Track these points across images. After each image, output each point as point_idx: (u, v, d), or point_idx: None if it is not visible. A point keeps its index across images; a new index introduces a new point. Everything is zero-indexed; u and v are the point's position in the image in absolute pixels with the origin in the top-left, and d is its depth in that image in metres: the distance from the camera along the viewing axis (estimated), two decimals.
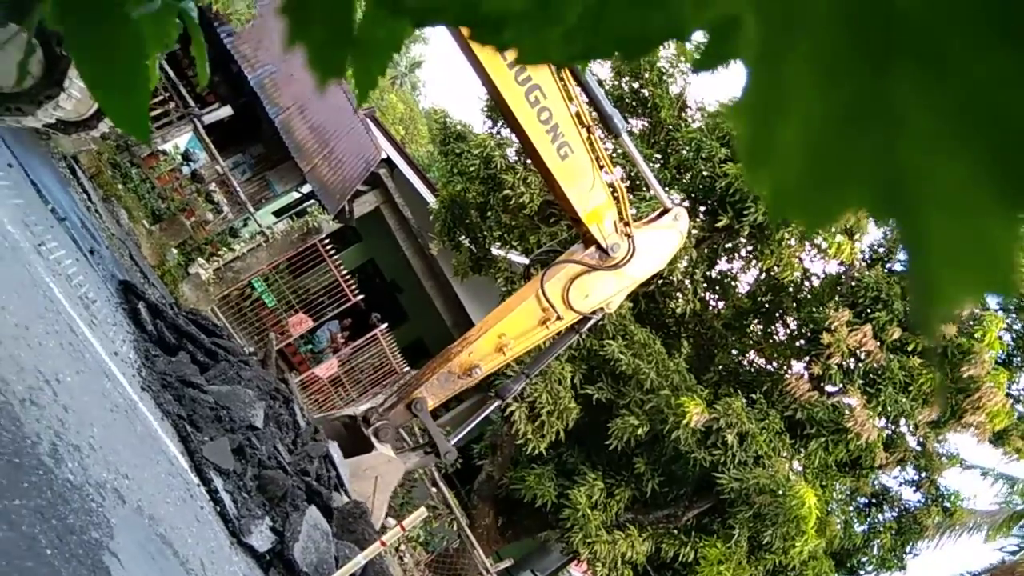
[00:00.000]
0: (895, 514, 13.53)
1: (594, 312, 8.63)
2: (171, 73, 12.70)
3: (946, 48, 0.31)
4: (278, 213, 18.92)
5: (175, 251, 12.93)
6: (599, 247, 8.16)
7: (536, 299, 8.37)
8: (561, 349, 9.41)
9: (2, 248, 5.45)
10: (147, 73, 0.88)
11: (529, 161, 12.69)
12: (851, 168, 0.33)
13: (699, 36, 0.34)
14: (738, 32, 0.33)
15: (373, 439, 8.81)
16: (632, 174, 12.50)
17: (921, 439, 12.87)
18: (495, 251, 14.01)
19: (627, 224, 8.11)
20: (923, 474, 13.38)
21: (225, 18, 12.45)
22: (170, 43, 1.14)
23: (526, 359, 9.78)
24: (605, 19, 0.37)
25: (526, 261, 13.51)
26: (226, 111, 13.87)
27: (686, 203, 12.93)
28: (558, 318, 8.41)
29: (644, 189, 12.73)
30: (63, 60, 6.80)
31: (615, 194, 7.98)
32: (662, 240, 8.65)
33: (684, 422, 11.09)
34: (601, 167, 7.72)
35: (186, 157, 14.60)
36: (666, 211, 8.81)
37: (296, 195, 18.31)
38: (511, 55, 0.40)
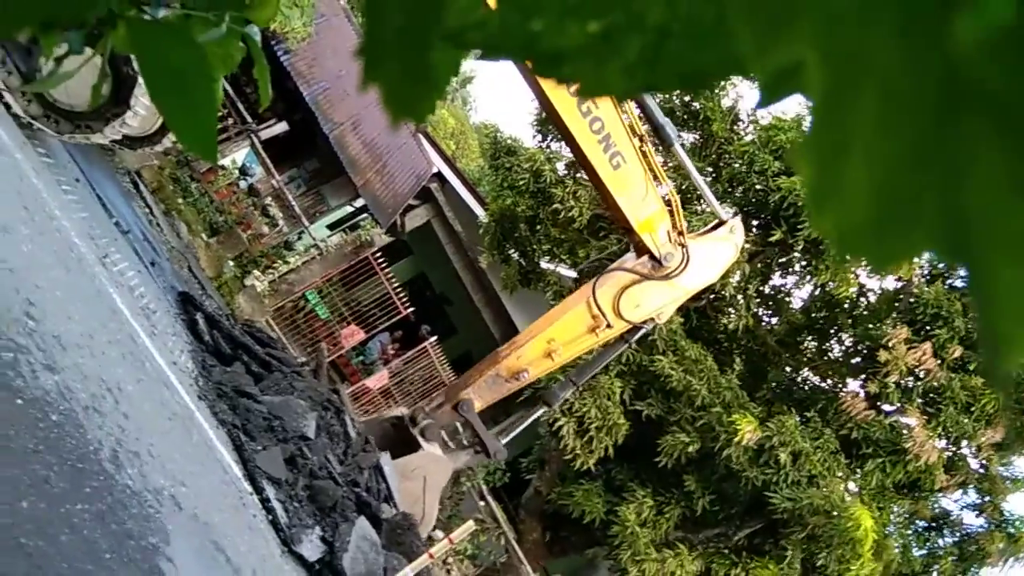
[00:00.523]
0: (956, 539, 13.06)
1: (644, 322, 8.55)
2: (229, 90, 13.04)
3: (1011, 99, 0.31)
4: (332, 227, 19.21)
5: (232, 263, 13.24)
6: (652, 257, 8.08)
7: (587, 306, 8.32)
8: (610, 358, 9.33)
9: (69, 260, 5.65)
10: (215, 96, 0.91)
11: (580, 173, 12.71)
12: (917, 211, 0.32)
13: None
14: (801, 74, 0.33)
15: (420, 439, 8.84)
16: (684, 187, 12.40)
17: (984, 461, 12.43)
18: (544, 265, 14.02)
19: (681, 234, 8.02)
20: (986, 498, 12.89)
21: (282, 36, 12.76)
22: (234, 65, 1.17)
23: (574, 366, 9.73)
24: (664, 54, 0.37)
25: (575, 275, 13.49)
26: (282, 127, 14.18)
27: (739, 217, 12.78)
28: (608, 326, 8.34)
29: (697, 202, 12.61)
30: (130, 79, 7.04)
31: (669, 204, 7.91)
32: (717, 251, 8.54)
33: (736, 440, 10.91)
34: (654, 177, 7.67)
35: (243, 172, 14.97)
36: (721, 223, 8.70)
37: (349, 209, 18.58)
38: (572, 88, 0.40)
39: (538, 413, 9.44)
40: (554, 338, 8.44)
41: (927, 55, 0.32)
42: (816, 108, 0.33)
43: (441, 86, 0.46)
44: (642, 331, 8.74)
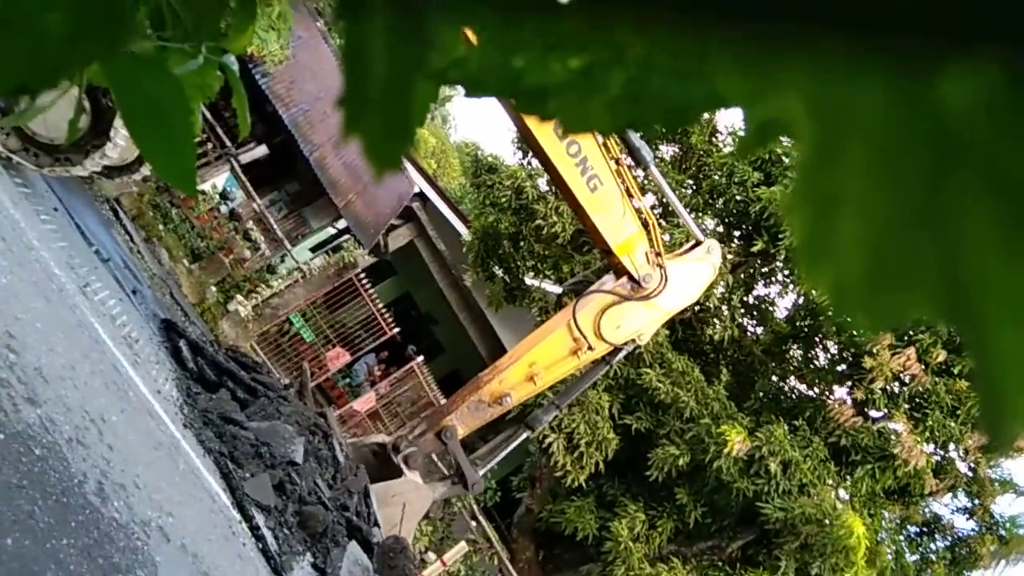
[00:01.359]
0: (948, 543, 13.11)
1: (625, 343, 8.57)
2: (207, 115, 13.01)
3: (1002, 161, 0.30)
4: (314, 249, 19.17)
5: (214, 289, 13.15)
6: (631, 278, 8.12)
7: (567, 328, 8.33)
8: (592, 380, 9.33)
9: (49, 291, 5.59)
10: (193, 128, 0.90)
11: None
12: (913, 272, 0.32)
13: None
14: (788, 124, 0.33)
15: (402, 466, 8.77)
16: (664, 201, 12.47)
17: (972, 464, 12.50)
18: (529, 281, 14.02)
19: (659, 255, 8.07)
20: (976, 501, 12.96)
21: (259, 59, 12.77)
22: (212, 95, 1.16)
23: (560, 387, 9.71)
24: (648, 90, 0.37)
25: (560, 290, 13.51)
26: (262, 150, 14.16)
27: (720, 228, 12.86)
28: (589, 348, 8.35)
29: (677, 216, 12.69)
30: (108, 111, 7.00)
31: (646, 224, 7.96)
32: (695, 272, 8.59)
33: (726, 451, 10.91)
34: (631, 198, 7.72)
35: (224, 196, 14.91)
36: (699, 243, 8.75)
37: (332, 231, 18.55)
38: (555, 124, 0.40)
39: (521, 438, 9.39)
40: (536, 361, 8.43)
41: (917, 112, 0.32)
42: (804, 160, 0.33)
43: (420, 120, 0.45)
44: (623, 352, 8.75)
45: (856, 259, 0.32)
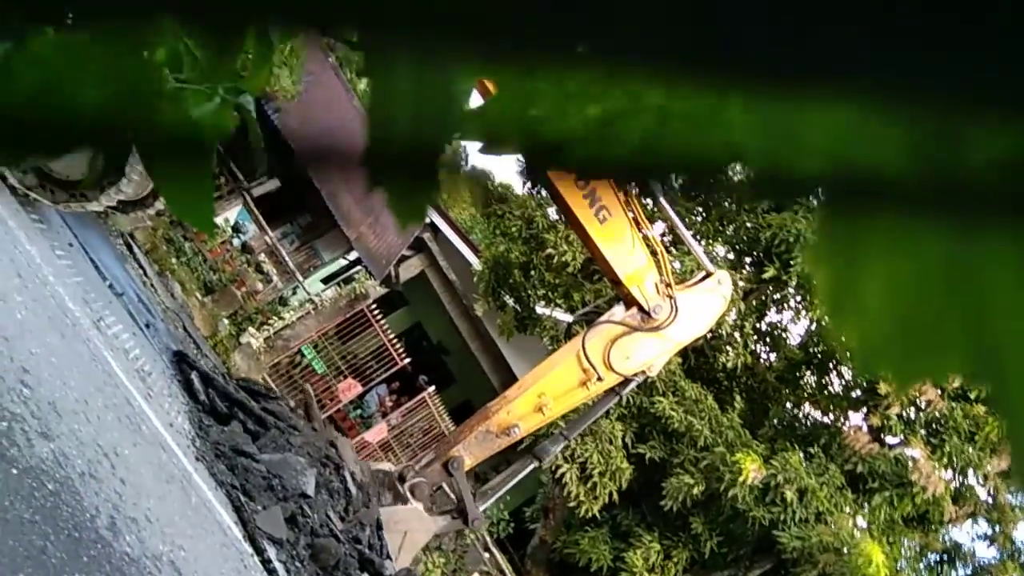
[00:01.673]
0: (969, 571, 12.88)
1: (635, 375, 8.51)
2: (220, 148, 13.16)
3: None
4: (326, 280, 19.24)
5: (226, 321, 13.21)
6: (640, 309, 8.08)
7: (577, 359, 8.28)
8: (601, 412, 9.25)
9: (64, 326, 5.63)
10: (211, 168, 0.91)
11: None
12: (941, 334, 0.31)
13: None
14: (812, 184, 0.33)
15: (409, 496, 8.69)
16: (674, 229, 12.47)
17: (992, 491, 12.32)
18: (540, 310, 14.01)
19: (668, 285, 8.03)
20: (996, 527, 12.75)
21: (272, 95, 12.93)
22: (227, 134, 1.18)
23: (572, 415, 9.64)
24: (666, 140, 0.38)
25: (571, 319, 13.48)
26: (274, 183, 14.29)
27: (730, 255, 12.83)
28: (599, 379, 8.29)
29: (686, 244, 12.70)
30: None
31: (656, 255, 7.94)
32: (705, 304, 8.54)
33: (741, 479, 10.80)
34: (640, 229, 7.72)
35: (236, 229, 15.03)
36: (709, 275, 8.72)
37: (343, 262, 18.64)
38: (573, 175, 0.41)
39: (528, 469, 9.30)
40: (545, 392, 8.37)
41: (939, 171, 0.31)
42: (826, 217, 0.33)
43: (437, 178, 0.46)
44: (633, 384, 8.68)
45: (883, 317, 0.32)
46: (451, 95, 0.38)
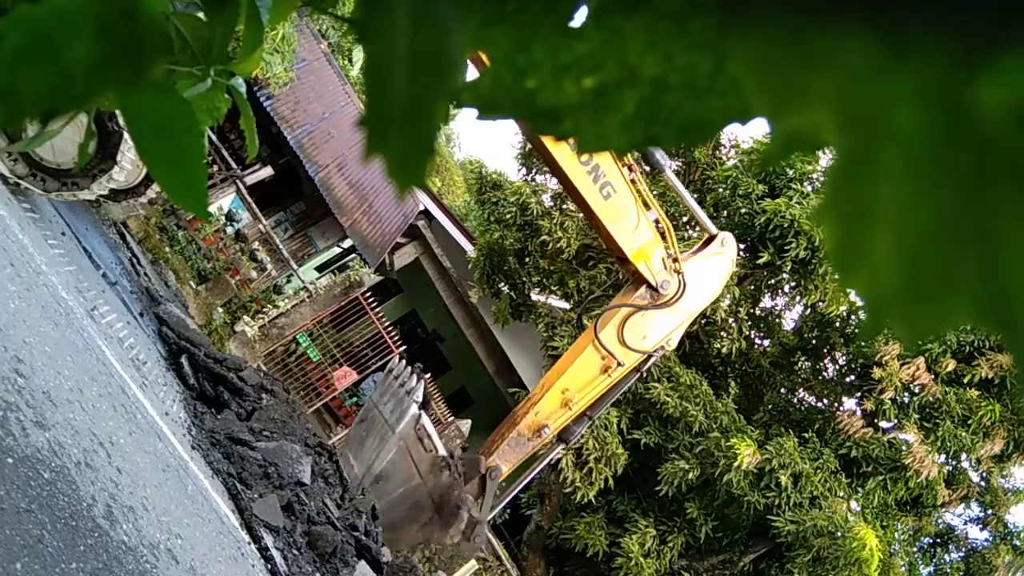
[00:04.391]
0: (962, 554, 12.99)
1: (656, 350, 8.49)
2: (213, 137, 13.10)
3: None
4: (320, 268, 19.22)
5: (221, 310, 13.18)
6: (649, 286, 8.04)
7: (594, 349, 8.25)
8: (624, 389, 9.20)
9: (57, 315, 5.61)
10: (203, 152, 0.91)
11: (566, 204, 12.78)
12: (953, 280, 0.31)
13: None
14: (817, 135, 0.32)
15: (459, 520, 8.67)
16: (672, 212, 12.46)
17: (984, 474, 12.41)
18: (535, 297, 14.02)
19: (675, 260, 7.99)
20: (989, 511, 12.85)
21: (264, 82, 12.87)
22: (220, 117, 1.17)
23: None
24: (663, 107, 0.37)
25: (566, 306, 13.48)
26: (267, 171, 14.24)
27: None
28: (619, 364, 8.27)
29: (685, 228, 12.69)
30: (115, 134, 7.06)
31: (661, 230, 7.88)
32: (712, 268, 8.50)
33: (735, 464, 10.85)
34: (644, 204, 7.66)
35: (229, 217, 14.98)
36: (712, 238, 8.66)
37: (337, 250, 18.61)
38: (571, 145, 0.40)
39: (556, 451, 9.30)
40: (568, 387, 8.34)
41: (950, 120, 0.31)
42: (835, 170, 0.32)
43: (436, 141, 0.45)
44: (653, 359, 8.66)
45: (892, 269, 0.31)
46: (450, 55, 0.37)
